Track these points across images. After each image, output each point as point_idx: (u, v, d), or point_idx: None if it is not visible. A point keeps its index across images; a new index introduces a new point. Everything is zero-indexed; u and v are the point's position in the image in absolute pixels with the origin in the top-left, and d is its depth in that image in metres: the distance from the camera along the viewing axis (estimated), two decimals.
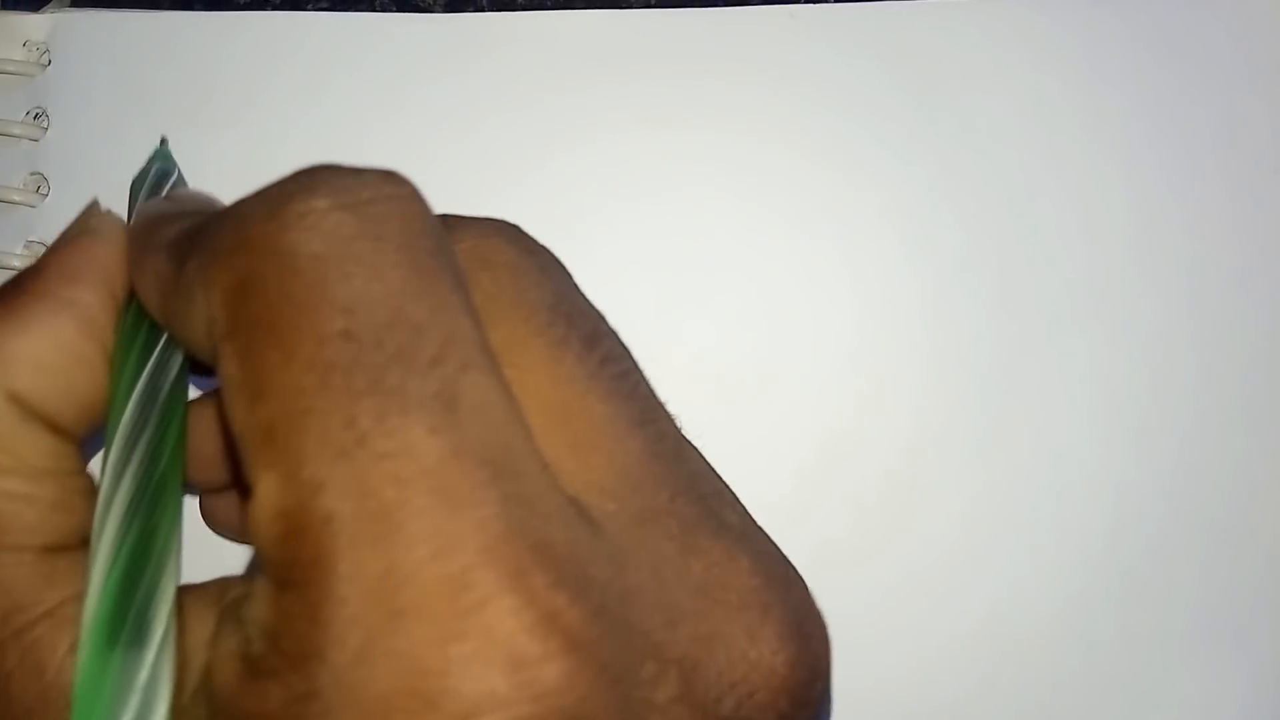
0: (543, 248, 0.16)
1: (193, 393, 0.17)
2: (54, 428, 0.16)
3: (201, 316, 0.14)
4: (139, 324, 0.16)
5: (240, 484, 0.13)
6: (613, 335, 0.15)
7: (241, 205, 0.14)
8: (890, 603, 0.25)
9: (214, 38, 0.27)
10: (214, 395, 0.18)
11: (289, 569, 0.12)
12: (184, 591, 0.15)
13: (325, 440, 0.12)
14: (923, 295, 0.26)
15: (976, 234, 0.26)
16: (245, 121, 0.26)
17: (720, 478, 0.15)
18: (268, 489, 0.12)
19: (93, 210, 0.17)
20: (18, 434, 0.15)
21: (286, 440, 0.12)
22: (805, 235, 0.26)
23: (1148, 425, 0.25)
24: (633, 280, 0.26)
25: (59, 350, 0.16)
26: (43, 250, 0.26)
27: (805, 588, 0.14)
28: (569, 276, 0.16)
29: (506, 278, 0.15)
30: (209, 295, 0.13)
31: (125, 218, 0.18)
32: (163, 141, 0.21)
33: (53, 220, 0.26)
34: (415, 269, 0.13)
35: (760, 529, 0.15)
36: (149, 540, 0.14)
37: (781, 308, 0.26)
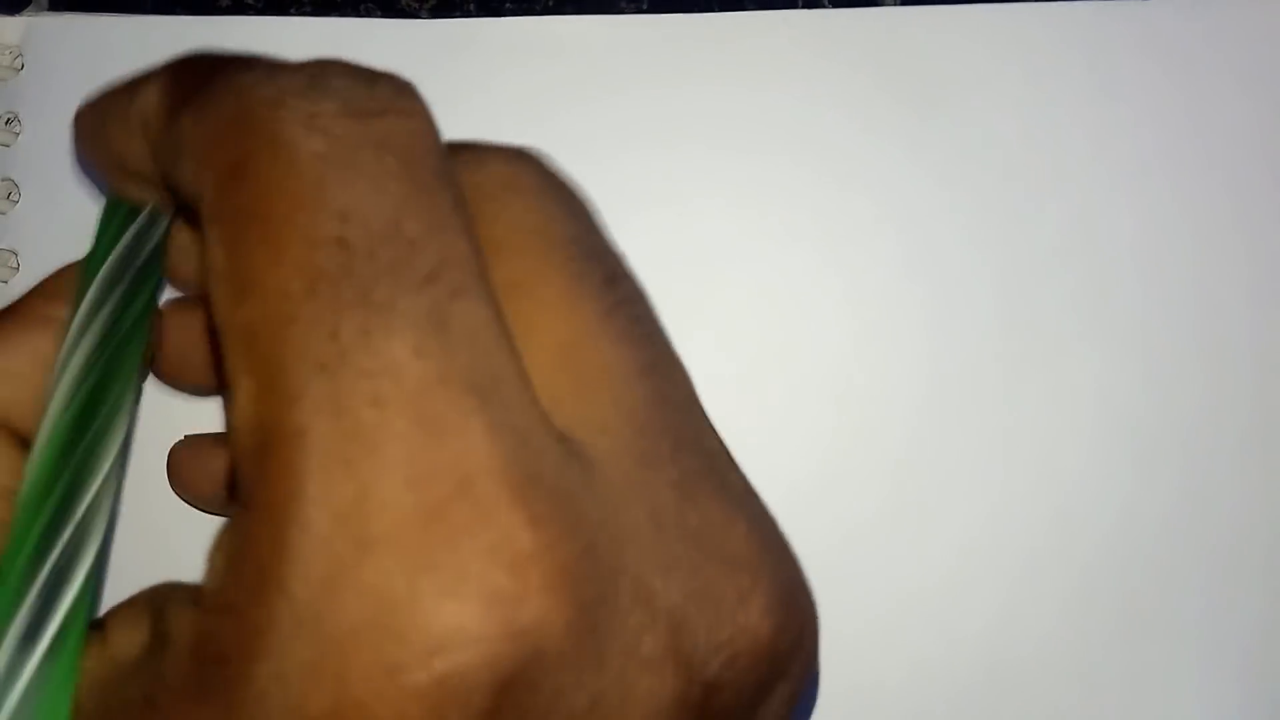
0: (569, 182, 0.15)
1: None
2: (25, 442, 0.15)
3: (189, 178, 0.13)
4: (117, 207, 0.16)
5: (224, 387, 0.12)
6: (632, 278, 0.15)
7: (245, 76, 0.13)
8: (886, 620, 0.25)
9: (194, 42, 0.26)
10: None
11: (260, 488, 0.11)
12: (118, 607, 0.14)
13: (306, 351, 0.11)
14: (923, 309, 0.25)
15: (978, 247, 0.26)
16: None
17: (723, 440, 0.15)
18: (245, 396, 0.12)
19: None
20: None
21: (268, 346, 0.12)
22: (802, 245, 0.26)
23: (1151, 444, 0.25)
24: None
25: (33, 362, 0.15)
26: (12, 258, 0.25)
27: (797, 562, 0.14)
28: (593, 214, 0.15)
29: (533, 205, 0.14)
30: (199, 165, 0.13)
31: (94, 234, 0.18)
32: None
33: (23, 227, 0.25)
34: (417, 185, 0.13)
35: (759, 497, 0.14)
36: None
37: (777, 319, 0.25)
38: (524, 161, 0.15)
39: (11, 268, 0.25)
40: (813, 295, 0.26)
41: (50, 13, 0.27)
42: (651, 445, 0.13)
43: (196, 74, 0.14)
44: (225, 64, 0.14)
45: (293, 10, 0.27)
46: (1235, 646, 0.25)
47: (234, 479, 0.12)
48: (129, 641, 0.13)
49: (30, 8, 0.27)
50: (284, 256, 0.12)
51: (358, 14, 0.27)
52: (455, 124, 0.26)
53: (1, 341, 0.16)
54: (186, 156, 0.13)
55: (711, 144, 0.26)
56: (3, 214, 0.26)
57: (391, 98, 0.13)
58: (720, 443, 0.14)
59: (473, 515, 0.11)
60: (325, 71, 0.13)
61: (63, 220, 0.25)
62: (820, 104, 0.26)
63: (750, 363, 0.25)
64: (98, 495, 0.14)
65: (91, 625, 0.14)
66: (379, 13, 0.27)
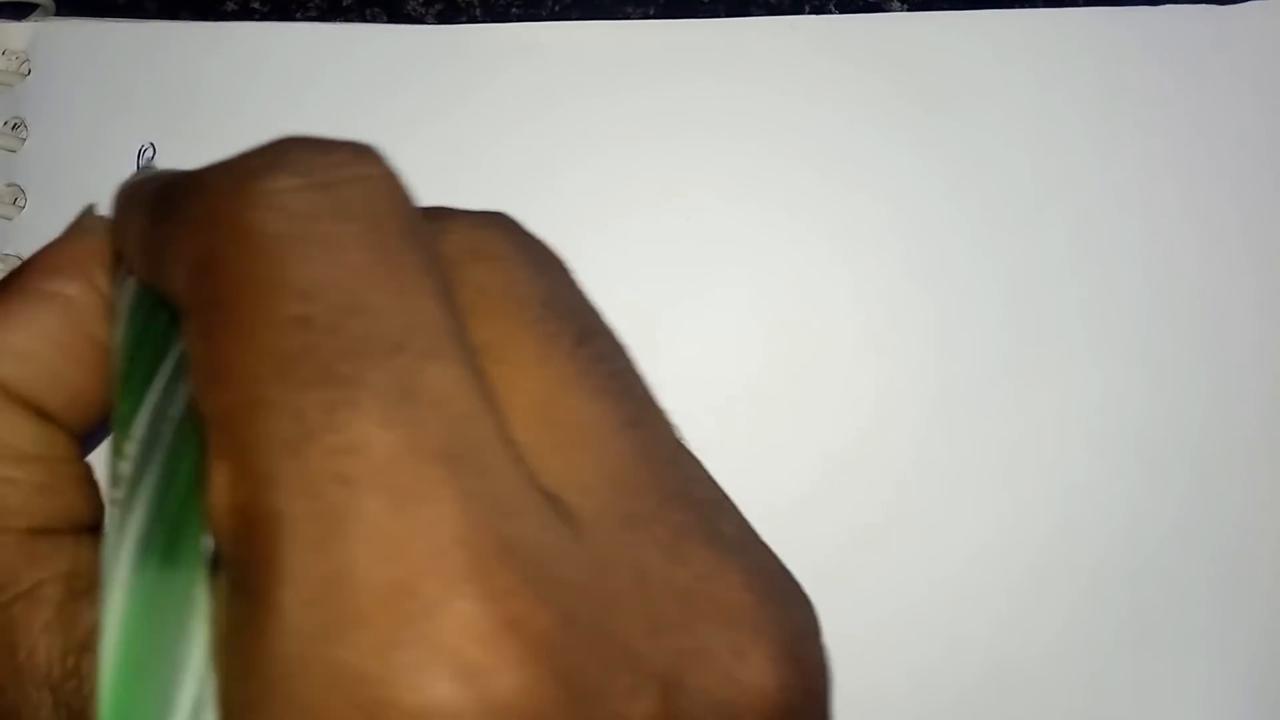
0: (539, 241, 0.15)
1: None
2: (41, 414, 0.16)
3: (167, 281, 0.14)
4: (145, 340, 0.16)
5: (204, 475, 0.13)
6: (608, 333, 0.15)
7: (209, 175, 0.13)
8: (893, 627, 0.24)
9: (199, 47, 0.26)
10: None
11: (241, 570, 0.12)
12: None
13: (274, 434, 0.11)
14: (929, 315, 0.25)
15: (984, 254, 0.25)
16: (230, 133, 0.26)
17: (719, 487, 0.14)
18: (221, 480, 0.12)
19: (86, 213, 0.17)
20: (2, 419, 0.15)
21: (238, 431, 0.12)
22: (810, 251, 0.26)
23: (1158, 452, 0.25)
24: (629, 293, 0.25)
25: (42, 340, 0.16)
26: (17, 263, 0.25)
27: (806, 607, 0.14)
28: (566, 271, 0.15)
29: (499, 270, 0.14)
30: (174, 267, 0.13)
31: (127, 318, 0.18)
32: (150, 158, 0.20)
33: (30, 233, 0.25)
34: (380, 251, 0.12)
35: (761, 543, 0.14)
36: (173, 474, 0.14)
37: (784, 325, 0.25)
38: (490, 227, 0.15)
39: None
40: (820, 301, 0.25)
41: (57, 18, 0.27)
42: (635, 504, 0.13)
43: (171, 192, 0.14)
44: (195, 172, 0.14)
45: (298, 15, 0.27)
46: (1242, 654, 0.24)
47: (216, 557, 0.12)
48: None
49: (37, 13, 0.27)
50: (250, 342, 0.12)
51: (363, 19, 0.27)
52: (459, 130, 0.26)
53: (9, 319, 0.16)
54: (165, 262, 0.14)
55: (718, 150, 0.26)
56: (9, 219, 0.26)
57: (348, 163, 0.13)
58: (711, 489, 0.14)
59: (445, 588, 0.11)
60: (281, 149, 0.13)
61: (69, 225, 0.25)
62: (827, 110, 0.26)
63: (756, 367, 0.25)
64: None
65: None
66: (384, 18, 0.27)
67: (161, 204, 0.14)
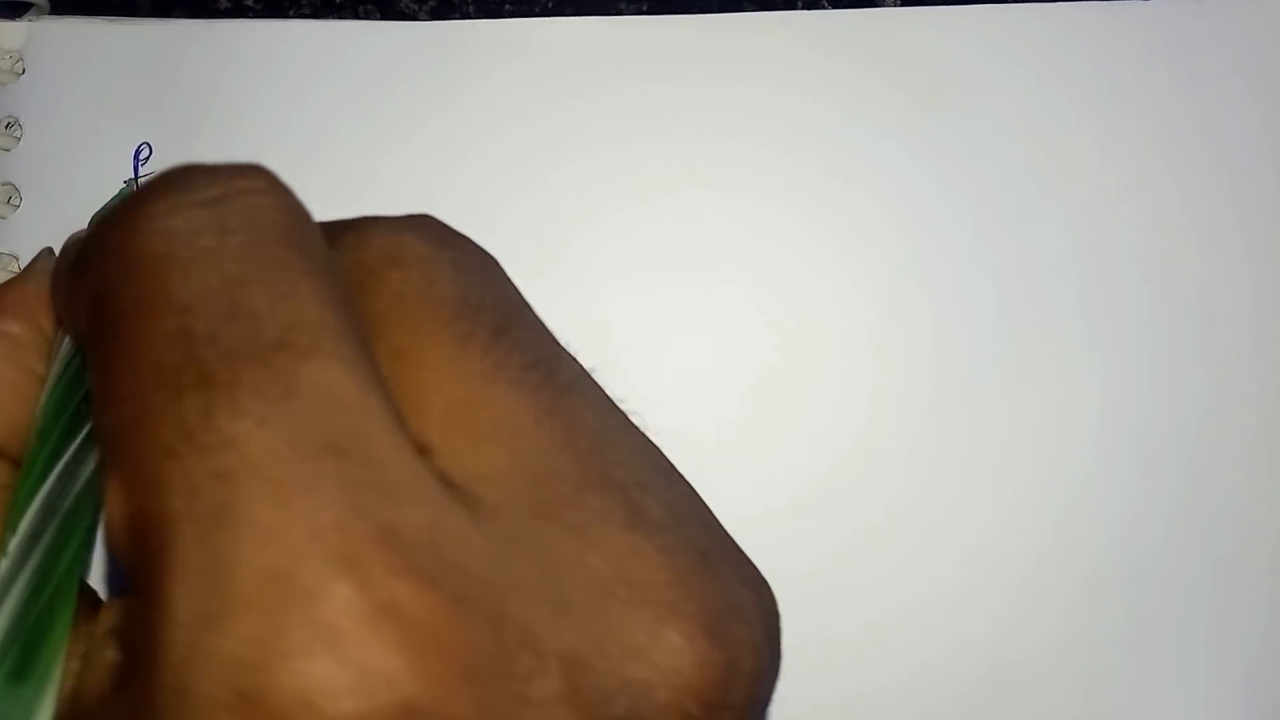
0: (460, 239, 0.15)
1: None
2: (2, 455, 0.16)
3: (75, 324, 0.14)
4: (65, 404, 0.16)
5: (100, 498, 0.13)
6: (530, 325, 0.15)
7: (104, 216, 0.14)
8: (891, 626, 0.24)
9: (192, 44, 0.26)
10: None
11: (135, 575, 0.12)
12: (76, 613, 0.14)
13: (156, 441, 0.12)
14: (925, 313, 0.25)
15: (981, 251, 0.25)
16: (224, 131, 0.26)
17: (660, 467, 0.14)
18: (114, 495, 0.12)
19: (40, 256, 0.18)
20: None
21: (125, 445, 0.12)
22: (804, 247, 0.26)
23: (1156, 450, 0.25)
24: (623, 291, 0.25)
25: None
26: (12, 262, 0.25)
27: (742, 584, 0.13)
28: (490, 267, 0.15)
29: (416, 274, 0.14)
30: (79, 307, 0.14)
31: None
32: (127, 184, 0.21)
33: (23, 232, 0.25)
34: (260, 259, 0.13)
35: (697, 519, 0.14)
36: (48, 572, 0.14)
37: (777, 320, 0.25)
38: (407, 231, 0.15)
39: (12, 272, 0.25)
40: (816, 296, 0.25)
41: (51, 17, 0.27)
42: (547, 493, 0.13)
43: (85, 240, 0.15)
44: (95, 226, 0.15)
45: (291, 13, 0.27)
46: (1241, 652, 0.24)
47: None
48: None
49: (31, 12, 0.27)
50: (134, 360, 0.12)
51: (356, 16, 0.27)
52: (453, 127, 0.26)
53: None
54: (77, 308, 0.14)
55: (711, 146, 0.26)
56: (3, 218, 0.26)
57: (232, 180, 0.13)
58: (642, 470, 0.14)
59: (324, 572, 0.11)
60: (166, 175, 0.14)
61: (63, 225, 0.25)
62: (821, 106, 0.26)
63: (751, 363, 0.25)
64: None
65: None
66: (378, 15, 0.27)
67: (75, 253, 0.15)
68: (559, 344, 0.15)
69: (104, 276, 0.13)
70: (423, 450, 0.13)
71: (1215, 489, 0.25)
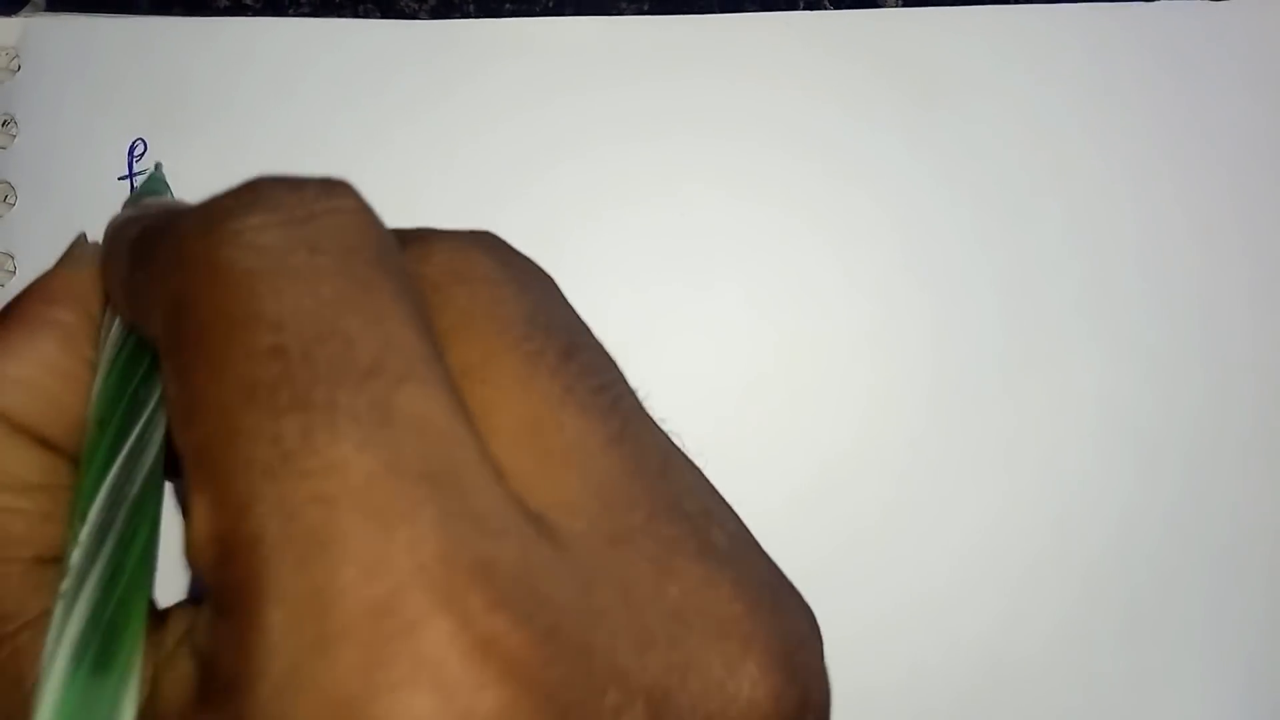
0: (523, 259, 0.15)
1: None
2: (42, 443, 0.16)
3: (148, 326, 0.14)
4: (122, 390, 0.16)
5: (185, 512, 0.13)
6: (595, 348, 0.15)
7: (181, 220, 0.14)
8: (888, 622, 0.24)
9: (191, 43, 0.26)
10: None
11: (223, 594, 0.12)
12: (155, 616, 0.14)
13: (251, 460, 0.12)
14: (922, 311, 0.25)
15: (978, 248, 0.25)
16: (221, 129, 0.26)
17: (716, 496, 0.14)
18: (200, 512, 0.12)
19: (77, 242, 0.18)
20: (5, 449, 0.15)
21: (215, 461, 0.12)
22: (803, 244, 0.25)
23: (1153, 446, 0.25)
24: (622, 289, 0.25)
25: (42, 368, 0.16)
26: (8, 260, 0.25)
27: (802, 617, 0.14)
28: (552, 288, 0.15)
29: (481, 291, 0.14)
30: (152, 310, 0.13)
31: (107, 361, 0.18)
32: (157, 167, 0.20)
33: (20, 230, 0.25)
34: (352, 281, 0.13)
35: (757, 551, 0.14)
36: (121, 562, 0.14)
37: (779, 317, 0.25)
38: (472, 248, 0.15)
39: (8, 270, 0.25)
40: (813, 295, 0.25)
41: (47, 14, 0.27)
42: (622, 520, 0.13)
43: (149, 236, 0.15)
44: (171, 215, 0.14)
45: (291, 11, 0.27)
46: (1237, 648, 0.24)
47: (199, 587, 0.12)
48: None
49: (27, 8, 0.27)
50: (223, 374, 0.12)
51: (356, 14, 0.27)
52: (453, 125, 0.26)
53: (9, 348, 0.16)
54: (144, 306, 0.14)
55: (712, 145, 0.26)
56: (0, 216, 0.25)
57: (319, 198, 0.13)
58: (704, 498, 0.14)
59: (426, 605, 0.11)
60: (252, 188, 0.13)
61: (59, 222, 0.25)
62: (822, 105, 0.26)
63: (745, 364, 0.25)
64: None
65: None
66: (378, 13, 0.27)
67: (139, 248, 0.14)
68: (620, 368, 0.15)
69: (186, 285, 0.13)
70: (495, 471, 0.13)
71: (1212, 486, 0.25)
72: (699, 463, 0.15)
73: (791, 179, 0.26)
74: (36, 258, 0.25)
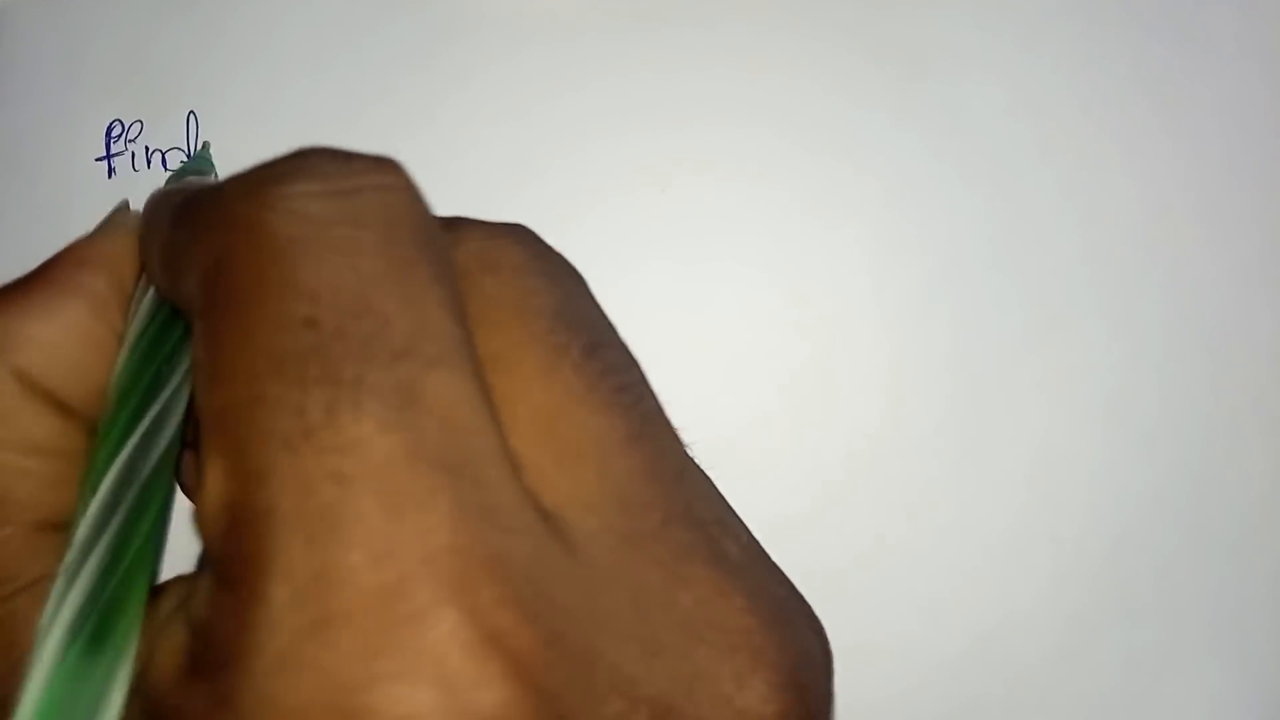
0: (554, 252, 0.15)
1: None
2: (61, 407, 0.16)
3: (185, 287, 0.14)
4: (145, 365, 0.16)
5: (198, 476, 0.13)
6: (619, 347, 0.15)
7: (228, 182, 0.14)
8: (888, 616, 0.24)
9: (169, 22, 0.26)
10: None
11: (228, 565, 0.12)
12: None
13: (272, 430, 0.12)
14: (913, 294, 0.25)
15: (968, 228, 0.25)
16: (199, 107, 0.25)
17: (728, 506, 0.14)
18: (214, 476, 0.12)
19: (119, 209, 0.18)
20: (20, 409, 0.15)
21: (235, 427, 0.12)
22: (795, 222, 0.25)
23: (1152, 430, 0.25)
24: (617, 279, 0.25)
25: (68, 332, 0.16)
26: None
27: (813, 633, 0.14)
28: (581, 284, 0.15)
29: (510, 281, 0.14)
30: (189, 271, 0.13)
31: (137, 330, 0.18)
32: (204, 146, 0.20)
33: None
34: (393, 260, 0.13)
35: (768, 563, 0.14)
36: (127, 540, 0.14)
37: (767, 302, 0.25)
38: (504, 237, 0.15)
39: None
40: (804, 272, 0.25)
41: None
42: (637, 522, 0.13)
43: (193, 199, 0.15)
44: (218, 181, 0.15)
45: None
46: (1237, 641, 0.24)
47: (203, 557, 0.12)
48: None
49: None
50: (253, 340, 0.12)
51: None
52: (454, 109, 0.26)
53: (35, 309, 0.16)
54: (181, 268, 0.14)
55: (704, 122, 0.26)
56: None
57: (367, 173, 0.13)
58: (717, 506, 0.14)
59: (433, 596, 0.11)
60: (301, 156, 0.13)
61: (39, 203, 0.25)
62: (811, 81, 0.26)
63: (737, 350, 0.25)
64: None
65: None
66: None
67: (183, 212, 0.14)
68: (642, 370, 0.15)
69: (227, 246, 0.13)
70: (513, 465, 0.13)
71: (1212, 474, 0.25)
72: (695, 460, 0.15)
73: (780, 154, 0.25)
74: (13, 239, 0.25)
